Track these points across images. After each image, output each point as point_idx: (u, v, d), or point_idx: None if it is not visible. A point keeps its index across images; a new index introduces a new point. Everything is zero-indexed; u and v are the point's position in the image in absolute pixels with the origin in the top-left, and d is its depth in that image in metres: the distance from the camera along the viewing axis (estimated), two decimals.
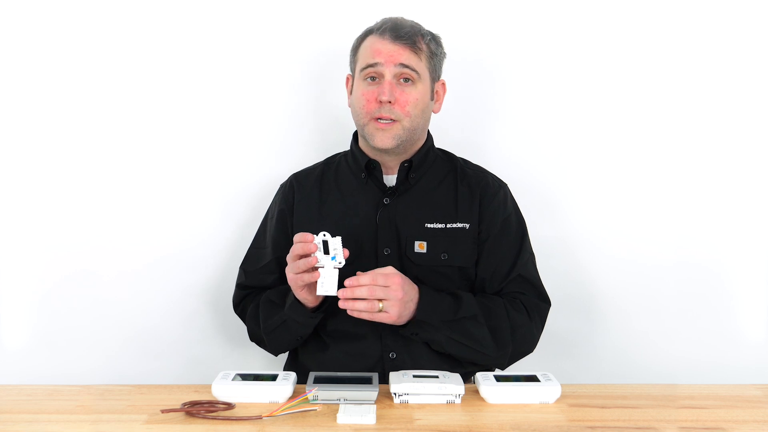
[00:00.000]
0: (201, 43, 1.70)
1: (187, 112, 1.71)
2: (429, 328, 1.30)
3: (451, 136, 1.63)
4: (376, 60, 1.37)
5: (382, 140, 1.38)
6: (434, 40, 1.43)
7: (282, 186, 1.55)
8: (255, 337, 1.48)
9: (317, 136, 1.72)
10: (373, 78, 1.39)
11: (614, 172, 1.72)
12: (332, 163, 1.54)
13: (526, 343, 1.40)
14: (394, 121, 1.37)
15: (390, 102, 1.36)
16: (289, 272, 1.27)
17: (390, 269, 1.26)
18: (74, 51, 1.69)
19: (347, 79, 1.49)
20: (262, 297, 1.43)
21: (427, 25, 1.44)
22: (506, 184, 1.51)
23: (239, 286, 1.53)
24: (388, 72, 1.37)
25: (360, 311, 1.22)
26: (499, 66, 1.72)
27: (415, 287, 1.29)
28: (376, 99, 1.37)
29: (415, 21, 1.43)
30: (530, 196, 1.63)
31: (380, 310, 1.22)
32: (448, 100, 1.51)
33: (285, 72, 1.72)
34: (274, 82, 1.72)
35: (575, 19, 1.70)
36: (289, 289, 1.34)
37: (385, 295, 1.22)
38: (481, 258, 1.42)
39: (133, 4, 1.69)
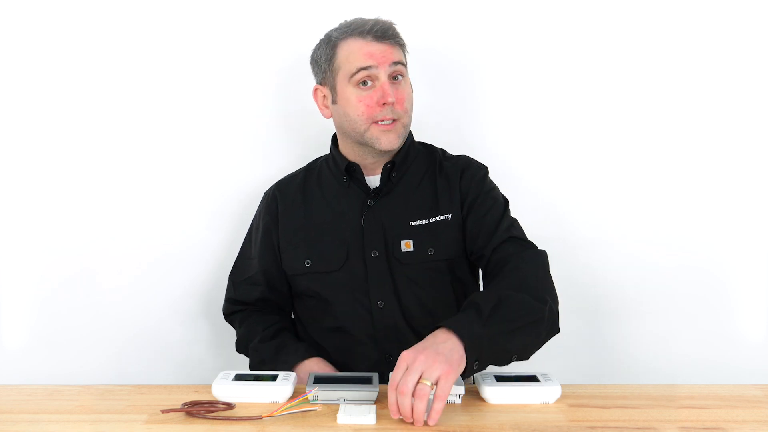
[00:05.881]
0: (188, 49, 1.70)
1: (183, 115, 1.71)
2: (481, 341, 1.07)
3: (450, 135, 1.63)
4: (370, 63, 1.33)
5: (389, 141, 1.36)
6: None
7: (265, 196, 1.53)
8: (242, 351, 1.48)
9: (315, 135, 1.71)
10: (365, 83, 1.35)
11: (615, 174, 1.72)
12: (314, 168, 1.52)
13: (551, 292, 1.26)
14: (394, 120, 1.36)
15: (392, 102, 1.34)
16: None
17: (400, 360, 1.02)
18: (73, 55, 1.69)
19: (315, 91, 1.44)
20: (252, 345, 1.41)
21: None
22: (486, 167, 1.46)
23: (228, 300, 1.52)
24: (383, 73, 1.34)
25: (420, 411, 0.99)
26: (500, 65, 1.72)
27: (432, 336, 1.06)
28: (378, 102, 1.34)
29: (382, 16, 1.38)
30: (530, 197, 1.63)
31: (432, 387, 0.99)
32: (450, 101, 1.51)
33: (279, 73, 1.71)
34: (270, 82, 1.72)
35: (575, 18, 1.70)
36: (283, 346, 1.36)
37: (411, 382, 0.99)
38: (468, 216, 1.37)
39: (120, 11, 1.69)
